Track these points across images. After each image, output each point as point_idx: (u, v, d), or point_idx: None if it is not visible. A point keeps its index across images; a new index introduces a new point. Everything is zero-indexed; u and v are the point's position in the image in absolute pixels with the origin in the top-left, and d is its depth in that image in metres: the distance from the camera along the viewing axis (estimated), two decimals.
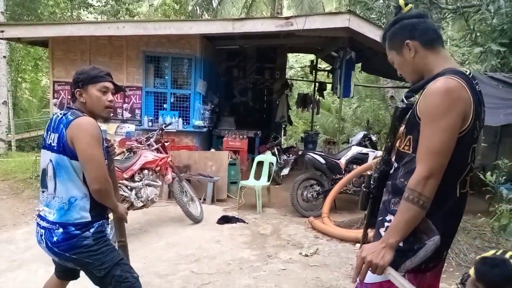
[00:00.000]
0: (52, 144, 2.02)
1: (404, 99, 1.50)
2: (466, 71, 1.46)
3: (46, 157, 2.06)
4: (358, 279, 1.45)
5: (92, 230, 2.01)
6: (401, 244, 1.43)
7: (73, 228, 1.98)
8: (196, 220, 5.18)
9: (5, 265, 3.76)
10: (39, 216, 2.10)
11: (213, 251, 4.27)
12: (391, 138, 1.56)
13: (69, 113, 2.03)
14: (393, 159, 1.58)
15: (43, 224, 2.05)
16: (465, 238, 4.30)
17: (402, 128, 1.58)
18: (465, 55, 9.63)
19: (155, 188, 4.72)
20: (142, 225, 5.06)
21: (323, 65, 13.21)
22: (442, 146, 1.36)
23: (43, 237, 2.04)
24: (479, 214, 4.51)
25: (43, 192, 2.10)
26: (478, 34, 6.67)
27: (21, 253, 4.07)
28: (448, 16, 6.92)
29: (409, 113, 1.49)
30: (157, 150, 5.12)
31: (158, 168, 4.84)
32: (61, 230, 1.98)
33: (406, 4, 1.59)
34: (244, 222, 5.35)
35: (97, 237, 2.03)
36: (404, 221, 1.38)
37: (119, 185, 4.03)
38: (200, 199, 5.88)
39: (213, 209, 5.87)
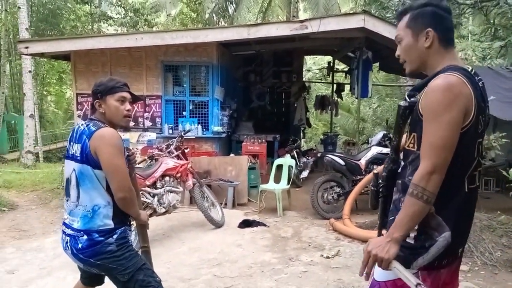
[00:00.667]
0: (75, 155, 2.09)
1: (406, 97, 1.52)
2: (468, 68, 1.47)
3: (69, 167, 2.15)
4: (365, 272, 1.48)
5: (115, 237, 2.08)
6: (412, 242, 1.45)
7: (97, 235, 2.05)
8: (217, 225, 5.24)
9: (35, 272, 3.91)
10: (64, 223, 2.18)
11: (234, 255, 4.32)
12: (397, 137, 1.58)
13: (91, 124, 2.11)
14: (401, 157, 1.60)
15: (68, 231, 2.13)
16: (491, 236, 4.21)
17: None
18: (486, 50, 9.42)
19: (177, 194, 4.81)
20: (165, 231, 5.16)
21: (340, 66, 13.15)
22: (445, 141, 1.37)
23: (68, 244, 2.12)
24: (498, 212, 4.40)
25: (67, 200, 2.18)
26: (498, 28, 6.54)
27: (50, 260, 4.22)
28: (467, 11, 6.80)
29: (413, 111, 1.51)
30: (178, 157, 5.22)
31: (179, 174, 4.93)
32: (85, 237, 2.05)
33: None
34: (265, 225, 5.38)
35: (120, 243, 2.09)
36: (409, 216, 1.40)
37: (141, 192, 4.15)
38: (221, 204, 5.95)
39: (234, 214, 5.93)
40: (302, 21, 6.68)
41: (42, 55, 8.22)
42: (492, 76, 7.11)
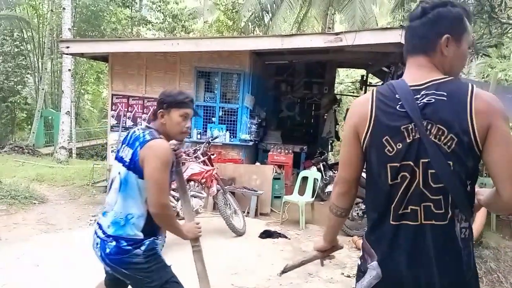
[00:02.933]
0: (124, 159, 2.07)
1: None
2: (402, 83, 1.37)
3: (116, 169, 2.13)
4: None
5: (143, 248, 2.03)
6: (359, 262, 1.50)
7: (125, 243, 2.02)
8: (238, 233, 5.23)
9: (59, 266, 4.01)
10: (98, 223, 2.17)
11: (253, 265, 4.29)
12: None
13: (147, 132, 2.06)
14: None
15: (99, 233, 2.11)
16: None
17: None
18: None
19: (200, 199, 4.84)
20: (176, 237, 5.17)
21: (374, 80, 12.95)
22: (340, 157, 1.51)
23: (98, 246, 2.10)
24: None
25: (107, 200, 2.17)
26: None
27: (74, 256, 4.31)
28: (510, 31, 6.57)
29: None
30: (204, 162, 5.27)
31: (204, 180, 4.97)
32: (114, 243, 2.03)
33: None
34: (286, 237, 5.33)
35: (148, 255, 2.05)
36: (326, 219, 1.64)
37: None
38: (244, 212, 5.93)
39: (256, 223, 5.90)
40: (337, 34, 6.63)
41: (81, 55, 8.53)
42: None
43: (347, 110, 8.69)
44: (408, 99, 1.31)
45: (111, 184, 2.15)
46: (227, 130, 7.51)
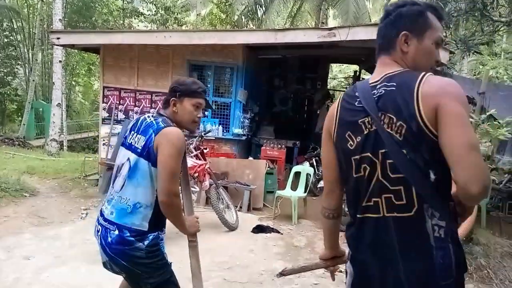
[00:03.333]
0: (136, 146, 2.02)
1: None
2: (363, 82, 1.46)
3: (124, 156, 2.08)
4: None
5: (146, 243, 1.98)
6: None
7: (128, 234, 1.96)
8: (231, 228, 5.24)
9: (50, 260, 3.98)
10: (100, 211, 2.11)
11: (246, 260, 4.30)
12: None
13: (160, 120, 2.03)
14: None
15: (101, 221, 2.05)
16: None
17: None
18: None
19: (192, 193, 4.83)
20: (176, 230, 5.17)
21: (366, 75, 12.99)
22: (322, 160, 1.58)
23: (99, 233, 2.04)
24: None
25: (112, 187, 2.11)
26: None
27: (65, 250, 4.30)
28: (501, 29, 6.62)
29: None
30: (196, 156, 5.25)
31: (196, 174, 4.96)
32: (117, 232, 1.97)
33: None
34: (278, 232, 5.35)
35: (150, 251, 2.00)
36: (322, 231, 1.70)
37: None
38: (236, 206, 5.93)
39: (249, 218, 5.91)
40: (330, 29, 6.61)
41: (72, 46, 8.43)
42: None
43: None
44: (365, 95, 1.37)
45: (116, 171, 2.10)
46: (220, 124, 7.49)
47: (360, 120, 1.36)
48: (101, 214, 2.08)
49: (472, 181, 1.12)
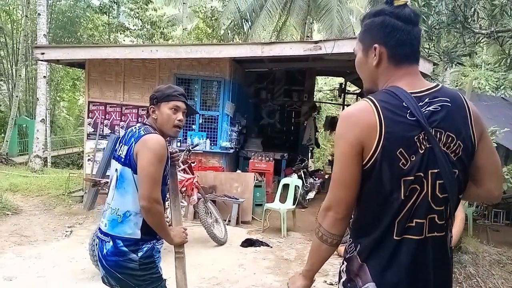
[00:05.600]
0: (121, 156, 2.06)
1: None
2: (402, 91, 1.25)
3: (113, 167, 2.12)
4: None
5: (139, 254, 1.98)
6: (341, 287, 1.36)
7: (122, 244, 1.97)
8: (220, 242, 5.16)
9: (33, 281, 3.86)
10: (99, 224, 2.14)
11: (235, 275, 4.23)
12: None
13: (142, 128, 2.06)
14: None
15: (98, 233, 2.08)
16: (500, 272, 4.08)
17: None
18: (500, 80, 9.37)
19: (180, 208, 4.76)
20: (167, 245, 5.05)
21: (352, 88, 13.15)
22: (335, 177, 1.28)
23: (97, 246, 2.06)
24: None
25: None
26: None
27: (49, 269, 4.17)
28: (482, 41, 6.78)
29: None
30: (184, 170, 5.19)
31: (184, 188, 4.89)
32: (111, 243, 1.99)
33: None
34: (268, 245, 5.29)
35: (144, 263, 2.00)
36: (311, 251, 1.38)
37: None
38: (225, 220, 5.87)
39: (238, 231, 5.85)
40: (316, 42, 6.69)
41: (57, 61, 8.33)
42: (506, 107, 7.06)
43: (327, 117, 8.78)
44: (415, 107, 1.22)
45: (109, 184, 2.13)
46: (207, 137, 7.45)
47: (416, 137, 1.21)
48: (99, 227, 2.11)
49: (498, 187, 1.37)
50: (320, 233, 1.31)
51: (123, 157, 2.03)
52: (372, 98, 1.25)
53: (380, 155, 1.20)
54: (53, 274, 4.01)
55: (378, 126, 1.20)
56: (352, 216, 1.34)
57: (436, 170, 1.22)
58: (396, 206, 1.22)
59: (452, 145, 1.24)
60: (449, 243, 1.31)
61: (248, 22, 16.48)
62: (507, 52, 6.29)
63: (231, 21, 16.30)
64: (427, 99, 1.25)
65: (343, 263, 1.39)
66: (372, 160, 1.21)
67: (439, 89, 1.29)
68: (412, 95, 1.25)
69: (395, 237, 1.24)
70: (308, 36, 16.51)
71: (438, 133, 1.23)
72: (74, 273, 4.08)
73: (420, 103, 1.24)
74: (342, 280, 1.37)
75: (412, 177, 1.21)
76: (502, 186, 1.40)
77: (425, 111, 1.23)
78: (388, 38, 1.29)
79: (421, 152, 1.21)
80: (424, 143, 1.21)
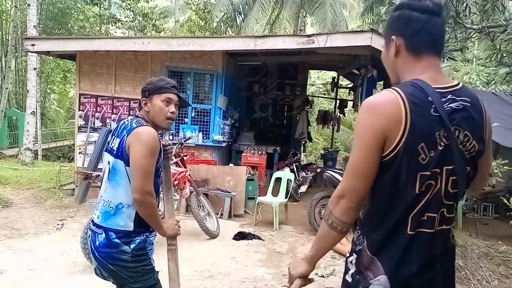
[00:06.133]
0: (113, 148, 2.06)
1: None
2: (427, 85, 1.25)
3: (106, 160, 2.12)
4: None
5: (132, 246, 1.99)
6: (349, 280, 1.36)
7: (114, 236, 1.98)
8: (212, 235, 5.18)
9: (24, 273, 3.84)
10: (92, 216, 2.15)
11: (227, 267, 4.25)
12: None
13: (135, 121, 2.06)
14: None
15: (91, 225, 2.09)
16: (488, 264, 4.15)
17: None
18: (491, 75, 9.45)
19: (173, 201, 4.76)
20: (158, 238, 5.05)
21: (344, 82, 13.18)
22: (353, 166, 1.27)
23: (90, 238, 2.07)
24: (500, 243, 4.34)
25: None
26: (504, 55, 6.55)
27: (40, 262, 4.15)
28: (473, 36, 6.82)
29: None
30: (176, 164, 5.18)
31: (176, 182, 4.89)
32: (103, 235, 1.99)
33: None
34: (260, 239, 5.32)
35: (136, 255, 2.00)
36: (318, 237, 1.38)
37: None
38: (217, 213, 5.88)
39: (230, 225, 5.86)
40: (309, 36, 6.68)
41: (48, 53, 8.23)
42: (496, 102, 7.12)
43: (320, 111, 8.76)
44: (439, 103, 1.23)
45: (102, 177, 2.14)
46: (200, 131, 7.43)
47: (437, 133, 1.22)
48: (92, 219, 2.12)
49: (483, 185, 1.57)
50: (331, 220, 1.30)
51: (115, 149, 2.03)
52: (399, 90, 1.24)
53: (402, 148, 1.20)
54: (44, 267, 4.00)
55: (404, 119, 1.20)
56: (363, 208, 1.35)
57: (451, 167, 1.25)
58: (409, 200, 1.24)
59: (468, 144, 1.28)
60: (452, 233, 1.38)
61: (241, 15, 16.40)
62: (498, 47, 6.34)
63: (224, 14, 16.21)
64: (450, 95, 1.27)
65: (351, 255, 1.38)
66: (394, 153, 1.21)
67: (461, 87, 1.32)
68: (438, 90, 1.26)
69: (409, 232, 1.26)
70: (301, 30, 16.48)
71: (457, 131, 1.26)
72: (65, 266, 4.08)
73: (443, 99, 1.25)
74: (350, 272, 1.36)
75: (429, 173, 1.23)
76: (485, 184, 1.50)
77: (447, 107, 1.25)
78: (404, 29, 1.31)
79: (440, 148, 1.23)
80: (444, 139, 1.23)
